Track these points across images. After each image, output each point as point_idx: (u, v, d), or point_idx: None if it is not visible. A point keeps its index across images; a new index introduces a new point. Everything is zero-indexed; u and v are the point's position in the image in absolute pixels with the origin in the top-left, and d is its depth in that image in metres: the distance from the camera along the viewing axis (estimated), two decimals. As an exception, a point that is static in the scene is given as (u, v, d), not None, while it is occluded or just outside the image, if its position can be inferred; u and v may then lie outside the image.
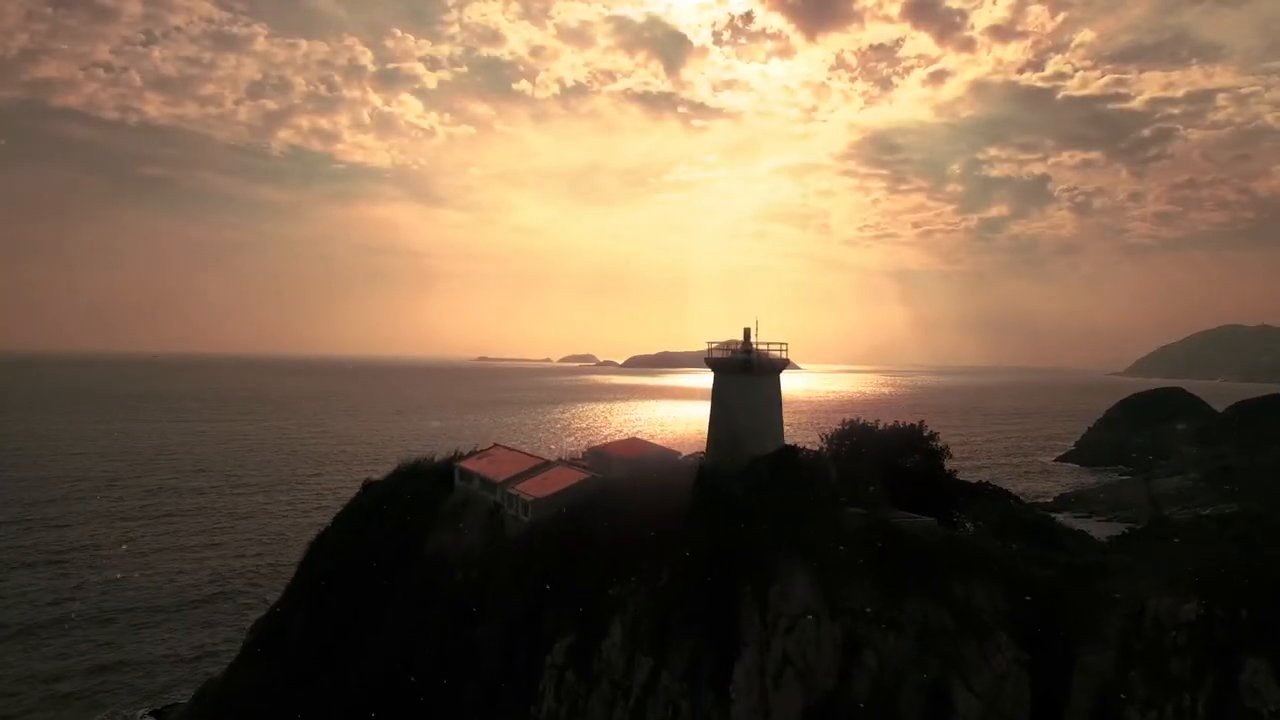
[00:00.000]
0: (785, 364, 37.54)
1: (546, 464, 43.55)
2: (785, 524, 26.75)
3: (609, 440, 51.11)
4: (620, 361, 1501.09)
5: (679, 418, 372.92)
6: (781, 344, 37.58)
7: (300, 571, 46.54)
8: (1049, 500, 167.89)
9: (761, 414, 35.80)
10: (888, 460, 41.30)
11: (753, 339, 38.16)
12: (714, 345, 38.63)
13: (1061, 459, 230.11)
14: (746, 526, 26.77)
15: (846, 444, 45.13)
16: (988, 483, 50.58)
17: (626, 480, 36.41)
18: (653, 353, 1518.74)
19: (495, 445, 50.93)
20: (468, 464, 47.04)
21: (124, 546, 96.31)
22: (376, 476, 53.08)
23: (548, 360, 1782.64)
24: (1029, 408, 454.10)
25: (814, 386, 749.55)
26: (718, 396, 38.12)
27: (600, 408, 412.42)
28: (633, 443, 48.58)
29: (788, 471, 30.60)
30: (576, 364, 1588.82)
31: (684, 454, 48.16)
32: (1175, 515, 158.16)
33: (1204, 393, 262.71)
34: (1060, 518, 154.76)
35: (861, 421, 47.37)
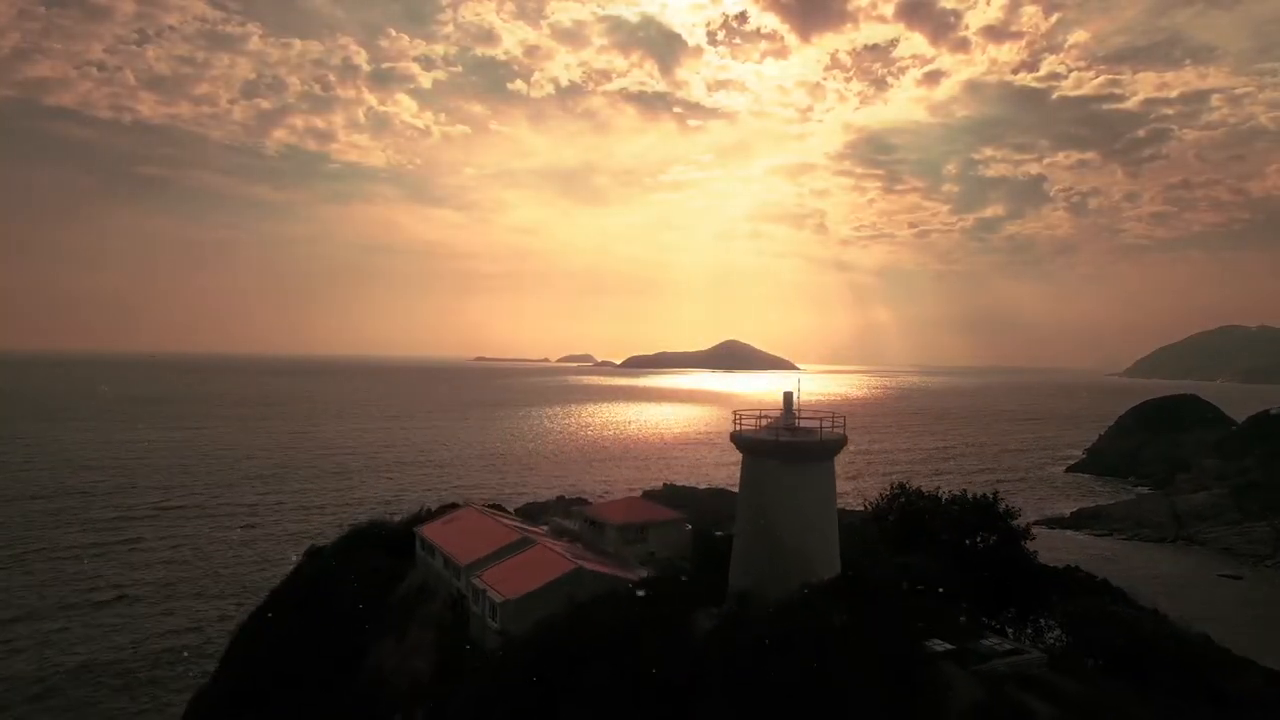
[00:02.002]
0: (842, 443, 27.94)
1: (524, 540, 34.81)
2: (860, 708, 18.29)
3: (603, 501, 42.32)
4: (618, 362, 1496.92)
5: (677, 417, 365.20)
6: (836, 416, 27.95)
7: (221, 670, 38.18)
8: (1066, 516, 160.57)
9: (810, 519, 25.95)
10: (954, 539, 32.93)
11: (795, 404, 28.05)
12: (741, 415, 28.59)
13: (1072, 469, 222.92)
14: (801, 715, 18.32)
15: (899, 516, 36.45)
16: (1076, 567, 41.83)
17: (625, 579, 28.02)
18: (650, 353, 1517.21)
19: (466, 504, 42.36)
20: (430, 531, 38.39)
21: (71, 588, 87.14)
22: (323, 541, 44.53)
23: (545, 360, 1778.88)
24: (1032, 411, 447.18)
25: (815, 389, 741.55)
26: (748, 491, 28.25)
27: (598, 410, 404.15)
28: (632, 506, 39.79)
29: (855, 612, 21.80)
30: (574, 364, 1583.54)
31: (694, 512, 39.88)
32: (1202, 533, 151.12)
33: (1207, 394, 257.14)
34: (1079, 536, 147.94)
35: (916, 487, 38.67)
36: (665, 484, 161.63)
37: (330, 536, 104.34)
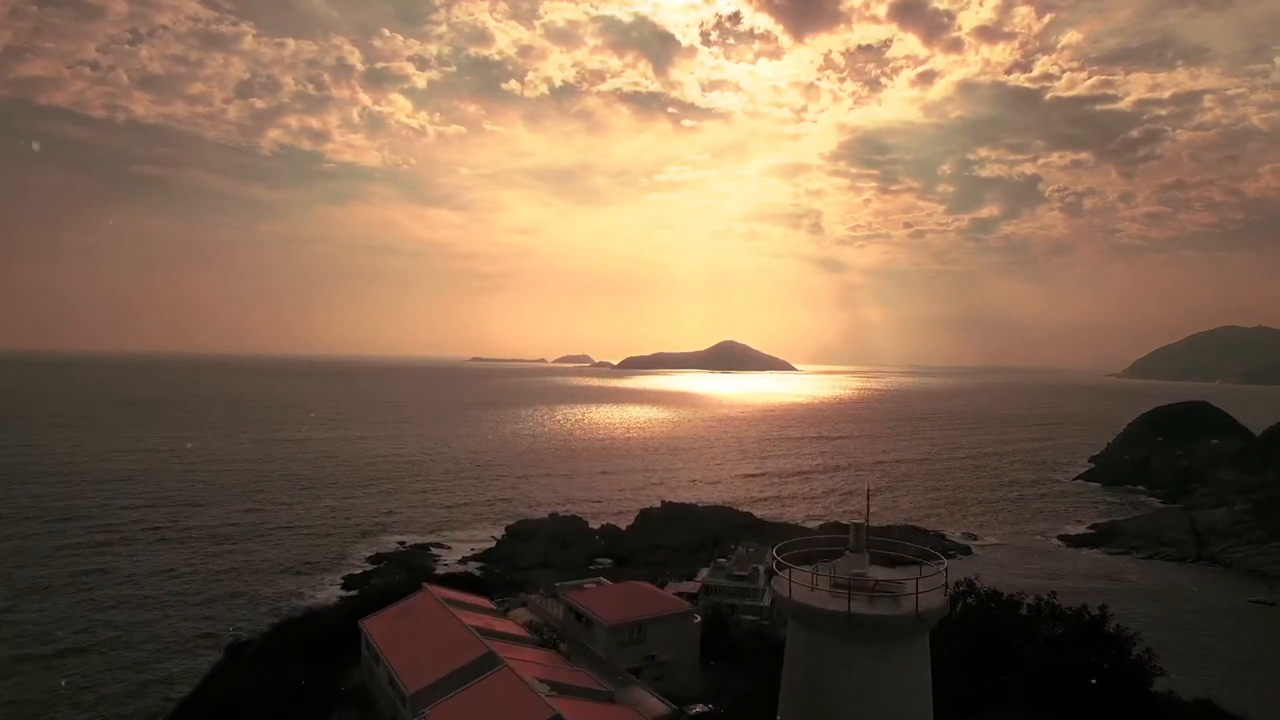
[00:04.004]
0: (945, 611, 17.39)
1: (488, 659, 27.20)
2: None
3: (593, 586, 34.59)
4: (615, 363, 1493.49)
5: (675, 422, 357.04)
6: (936, 559, 17.45)
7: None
8: (1082, 533, 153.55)
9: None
10: (1048, 665, 24.93)
11: (862, 533, 17.79)
12: (784, 555, 17.64)
13: (1082, 477, 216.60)
14: None
15: (972, 625, 27.91)
16: (1209, 701, 32.76)
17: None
18: (648, 353, 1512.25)
19: (424, 588, 34.47)
20: (376, 629, 30.87)
21: (28, 635, 79.25)
22: (244, 635, 36.91)
23: (543, 360, 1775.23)
24: (1034, 415, 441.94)
25: (819, 391, 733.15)
26: (800, 679, 17.35)
27: (595, 413, 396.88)
28: (629, 598, 32.12)
29: None
30: (571, 364, 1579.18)
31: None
32: (1226, 553, 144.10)
33: (1209, 397, 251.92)
34: (1097, 554, 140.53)
35: (991, 590, 29.72)
36: (664, 501, 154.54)
37: (300, 577, 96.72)
